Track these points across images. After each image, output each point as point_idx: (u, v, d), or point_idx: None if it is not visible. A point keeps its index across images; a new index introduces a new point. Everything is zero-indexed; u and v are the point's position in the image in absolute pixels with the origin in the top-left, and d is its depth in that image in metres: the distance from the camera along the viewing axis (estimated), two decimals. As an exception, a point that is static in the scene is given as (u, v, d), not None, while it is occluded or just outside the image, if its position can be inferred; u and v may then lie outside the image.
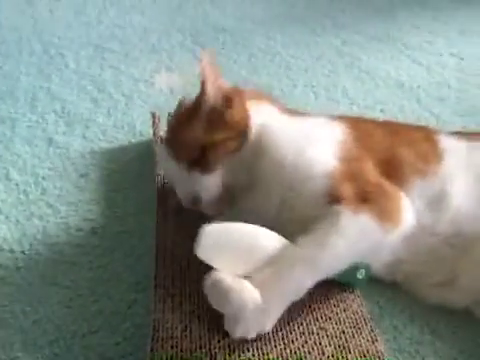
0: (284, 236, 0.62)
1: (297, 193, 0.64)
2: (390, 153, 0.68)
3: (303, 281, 0.59)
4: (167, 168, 0.72)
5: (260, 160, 0.67)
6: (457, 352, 0.63)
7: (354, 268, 0.64)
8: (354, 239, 0.61)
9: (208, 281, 0.59)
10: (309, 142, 0.67)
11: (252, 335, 0.58)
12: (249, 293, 0.57)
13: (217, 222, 0.60)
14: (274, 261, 0.59)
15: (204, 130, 0.66)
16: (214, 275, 0.58)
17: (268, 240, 0.61)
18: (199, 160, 0.66)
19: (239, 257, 0.60)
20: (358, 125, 0.72)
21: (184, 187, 0.68)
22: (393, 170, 0.67)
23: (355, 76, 1.22)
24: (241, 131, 0.67)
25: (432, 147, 0.70)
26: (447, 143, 0.71)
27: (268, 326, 0.58)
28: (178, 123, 0.70)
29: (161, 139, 0.89)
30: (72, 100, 1.09)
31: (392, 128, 0.75)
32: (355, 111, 1.08)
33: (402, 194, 0.65)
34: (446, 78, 1.22)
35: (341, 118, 0.73)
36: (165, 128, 0.80)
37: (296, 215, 0.65)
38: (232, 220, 0.62)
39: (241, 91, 0.72)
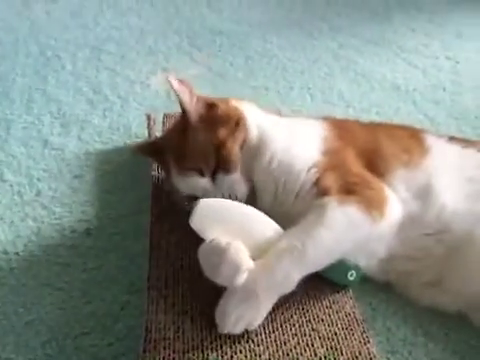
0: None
1: (285, 188, 0.66)
2: (372, 145, 0.70)
3: (291, 273, 0.59)
4: (193, 189, 0.68)
5: (256, 159, 0.68)
6: (450, 354, 0.63)
7: (344, 269, 0.65)
8: (340, 229, 0.61)
9: (203, 245, 0.59)
10: (294, 139, 0.69)
11: (240, 328, 0.58)
12: (244, 255, 0.58)
13: None
14: (263, 249, 0.60)
15: (208, 136, 0.67)
16: (209, 241, 0.59)
17: (262, 224, 0.62)
18: (218, 165, 0.67)
19: (231, 232, 0.60)
20: (341, 123, 0.75)
21: (215, 194, 0.67)
22: (375, 161, 0.68)
23: (351, 79, 1.22)
24: (238, 119, 0.69)
25: (417, 143, 0.72)
26: (434, 142, 0.72)
27: (258, 320, 0.59)
28: (181, 147, 0.69)
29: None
30: (68, 101, 1.09)
31: (376, 125, 0.78)
32: (351, 114, 1.08)
33: (384, 185, 0.66)
34: (441, 81, 1.22)
35: (325, 118, 0.75)
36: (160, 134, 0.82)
37: (286, 211, 0.66)
38: None
39: (221, 98, 0.74)
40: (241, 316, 0.58)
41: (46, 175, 0.89)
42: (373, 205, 0.63)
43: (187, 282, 0.67)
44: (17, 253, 0.75)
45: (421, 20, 1.53)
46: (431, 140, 0.73)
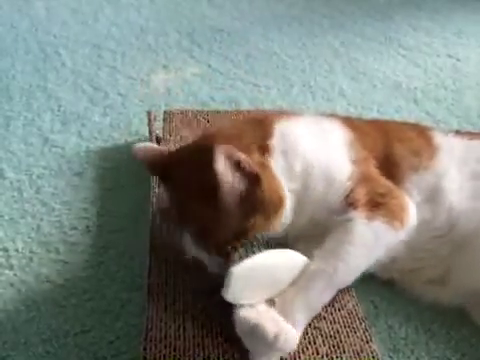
0: (308, 247, 0.62)
1: (325, 203, 0.64)
2: (386, 150, 0.69)
3: (323, 295, 0.59)
4: (198, 257, 0.63)
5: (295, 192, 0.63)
6: (451, 352, 0.63)
7: None
8: (369, 246, 0.61)
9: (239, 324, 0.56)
10: (324, 149, 0.66)
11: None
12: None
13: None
14: (295, 281, 0.59)
15: (239, 219, 0.58)
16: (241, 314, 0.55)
17: (292, 269, 0.59)
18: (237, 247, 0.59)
19: (265, 291, 0.58)
20: (357, 125, 0.72)
21: (210, 267, 0.62)
22: (390, 167, 0.67)
23: (352, 76, 1.22)
24: (278, 206, 0.61)
25: (426, 143, 0.71)
26: (441, 140, 0.71)
27: (293, 345, 0.55)
28: (203, 220, 0.59)
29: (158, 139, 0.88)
30: (68, 99, 1.08)
31: (385, 125, 0.76)
32: (352, 112, 1.08)
33: (402, 191, 0.66)
34: (443, 79, 1.22)
35: (340, 118, 0.73)
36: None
37: (320, 226, 0.64)
38: None
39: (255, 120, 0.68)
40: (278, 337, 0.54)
41: (46, 172, 0.89)
42: (396, 216, 0.63)
43: (188, 280, 0.67)
44: (17, 250, 0.75)
45: (422, 18, 1.53)
46: (438, 138, 0.72)
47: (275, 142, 0.65)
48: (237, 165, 0.57)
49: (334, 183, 0.64)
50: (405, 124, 0.79)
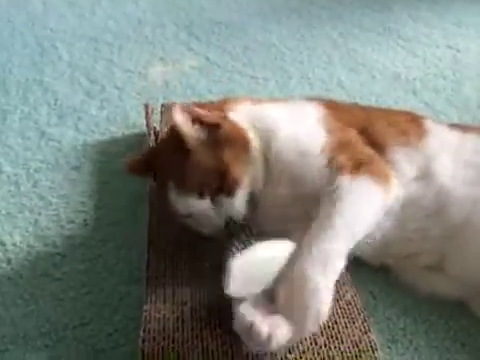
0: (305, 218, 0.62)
1: (301, 178, 0.65)
2: (370, 124, 0.70)
3: (331, 248, 0.57)
4: (191, 210, 0.65)
5: (266, 157, 0.66)
6: (450, 342, 0.63)
7: None
8: (358, 199, 0.61)
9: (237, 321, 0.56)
10: (297, 125, 0.68)
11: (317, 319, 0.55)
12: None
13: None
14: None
15: (211, 158, 0.64)
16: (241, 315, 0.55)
17: (288, 253, 0.59)
18: (221, 187, 0.64)
19: (266, 281, 0.58)
20: (335, 104, 0.74)
21: (214, 217, 0.65)
22: (374, 139, 0.68)
23: (351, 68, 1.21)
24: (244, 142, 0.66)
25: (415, 126, 0.71)
26: (433, 127, 0.72)
27: (324, 306, 0.55)
28: (180, 168, 0.65)
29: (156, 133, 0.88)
30: (65, 92, 1.08)
31: (374, 108, 0.78)
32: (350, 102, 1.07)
33: (385, 162, 0.66)
34: (442, 70, 1.21)
35: (316, 99, 0.74)
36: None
37: (303, 200, 0.64)
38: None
39: (217, 103, 0.72)
40: (308, 307, 0.54)
41: (43, 166, 0.89)
42: (380, 177, 0.64)
43: (186, 272, 0.67)
44: (14, 244, 0.75)
45: (422, 9, 1.51)
46: (430, 124, 0.72)
47: (240, 110, 0.70)
48: (197, 119, 0.65)
49: (306, 152, 0.65)
50: (396, 110, 0.79)
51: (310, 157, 0.65)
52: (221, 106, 0.72)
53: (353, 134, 0.68)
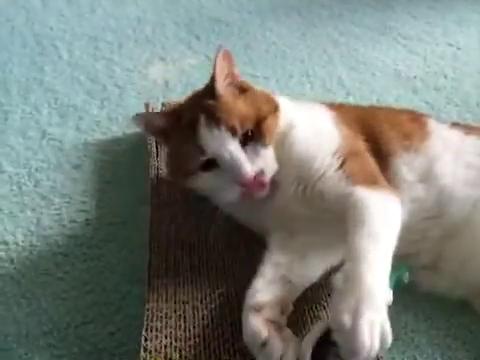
0: (307, 223, 0.63)
1: (310, 174, 0.65)
2: (373, 131, 0.70)
3: (380, 257, 0.55)
4: (218, 148, 0.62)
5: (281, 146, 0.66)
6: (452, 340, 0.63)
7: (399, 273, 0.61)
8: (386, 213, 0.60)
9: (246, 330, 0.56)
10: (316, 124, 0.69)
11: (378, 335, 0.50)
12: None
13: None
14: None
15: (250, 104, 0.65)
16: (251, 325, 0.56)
17: None
18: (254, 134, 0.63)
19: None
20: (344, 108, 0.74)
21: (243, 165, 0.61)
22: (379, 146, 0.68)
23: (351, 66, 1.21)
24: (276, 105, 0.68)
25: (418, 127, 0.71)
26: (436, 127, 0.72)
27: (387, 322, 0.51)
28: (216, 103, 0.65)
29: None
30: (65, 91, 1.08)
31: (377, 109, 0.77)
32: (351, 101, 1.07)
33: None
34: (442, 68, 1.21)
35: (326, 103, 0.75)
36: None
37: (312, 199, 0.64)
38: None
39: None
40: (371, 321, 0.49)
41: (45, 165, 0.89)
42: (389, 188, 0.64)
43: (188, 271, 0.67)
44: (17, 243, 0.75)
45: (422, 7, 1.51)
46: (432, 124, 0.72)
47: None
48: (231, 76, 0.67)
49: (321, 149, 0.65)
50: (399, 110, 0.79)
51: (323, 155, 0.65)
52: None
53: (362, 144, 0.68)
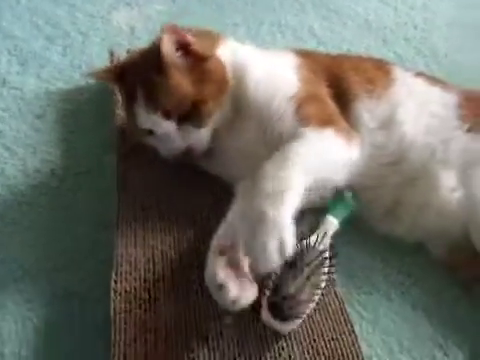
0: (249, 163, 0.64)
1: (269, 118, 0.66)
2: (339, 75, 0.71)
3: (286, 175, 0.57)
4: (153, 127, 0.66)
5: (237, 95, 0.67)
6: (405, 277, 0.68)
7: (340, 195, 0.66)
8: (319, 146, 0.63)
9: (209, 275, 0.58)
10: (272, 69, 0.69)
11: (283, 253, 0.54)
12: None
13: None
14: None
15: (190, 85, 0.65)
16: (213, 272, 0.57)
17: None
18: (190, 116, 0.65)
19: None
20: (308, 53, 0.75)
21: (175, 141, 0.66)
22: (341, 91, 0.69)
23: (323, 15, 1.19)
24: (225, 82, 0.67)
25: (382, 74, 0.72)
26: (400, 74, 0.73)
27: (288, 240, 0.54)
28: (155, 83, 0.65)
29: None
30: (24, 38, 1.02)
31: (343, 57, 0.78)
32: (322, 51, 1.06)
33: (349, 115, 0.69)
34: (413, 18, 1.20)
35: (291, 49, 0.75)
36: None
37: (273, 141, 0.65)
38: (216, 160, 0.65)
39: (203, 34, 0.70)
40: (272, 242, 0.53)
41: (6, 115, 0.86)
42: (346, 135, 0.65)
43: (156, 217, 0.68)
44: (-20, 194, 0.74)
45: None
46: (397, 72, 0.73)
47: (228, 46, 0.71)
48: (185, 46, 0.65)
49: (277, 95, 0.66)
50: (366, 58, 0.80)
51: (280, 100, 0.66)
52: (214, 38, 0.71)
53: (323, 88, 0.69)
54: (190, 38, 0.65)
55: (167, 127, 0.65)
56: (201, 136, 0.67)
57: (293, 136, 0.63)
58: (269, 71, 0.68)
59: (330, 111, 0.67)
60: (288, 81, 0.68)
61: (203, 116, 0.65)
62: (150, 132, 0.67)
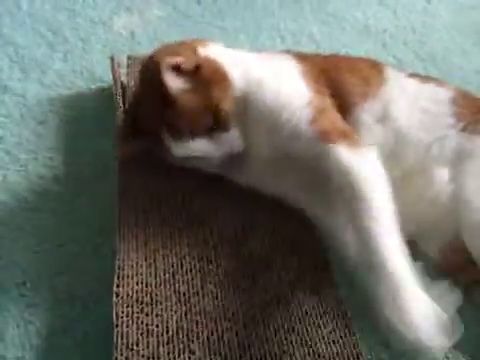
0: (279, 176, 0.66)
1: (282, 130, 0.66)
2: (335, 79, 0.72)
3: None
4: (185, 151, 0.68)
5: (246, 108, 0.68)
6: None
7: None
8: (369, 170, 0.62)
9: None
10: (280, 77, 0.69)
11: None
12: None
13: None
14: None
15: (201, 100, 0.66)
16: None
17: None
18: (215, 125, 0.66)
19: None
20: (307, 59, 0.74)
21: (212, 153, 0.67)
22: (340, 94, 0.70)
23: (322, 20, 1.19)
24: (224, 75, 0.68)
25: (375, 73, 0.74)
26: (392, 74, 0.75)
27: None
28: (171, 116, 0.66)
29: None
30: (26, 44, 1.03)
31: (334, 56, 0.80)
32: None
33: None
34: (412, 22, 1.21)
35: (285, 53, 0.75)
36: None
37: (283, 156, 0.67)
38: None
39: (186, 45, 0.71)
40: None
41: (8, 121, 0.86)
42: (362, 144, 0.65)
43: (157, 222, 0.69)
44: (-17, 200, 0.74)
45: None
46: (389, 71, 0.75)
47: (210, 47, 0.71)
48: (176, 68, 0.65)
49: (290, 104, 0.66)
50: (358, 58, 0.81)
51: (294, 107, 0.66)
52: (191, 44, 0.71)
53: (328, 99, 0.70)
54: (178, 59, 0.66)
55: (199, 146, 0.67)
56: (232, 137, 0.67)
57: (317, 155, 0.63)
58: (277, 78, 0.68)
59: (340, 123, 0.67)
60: (300, 88, 0.68)
61: (224, 117, 0.66)
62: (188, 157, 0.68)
